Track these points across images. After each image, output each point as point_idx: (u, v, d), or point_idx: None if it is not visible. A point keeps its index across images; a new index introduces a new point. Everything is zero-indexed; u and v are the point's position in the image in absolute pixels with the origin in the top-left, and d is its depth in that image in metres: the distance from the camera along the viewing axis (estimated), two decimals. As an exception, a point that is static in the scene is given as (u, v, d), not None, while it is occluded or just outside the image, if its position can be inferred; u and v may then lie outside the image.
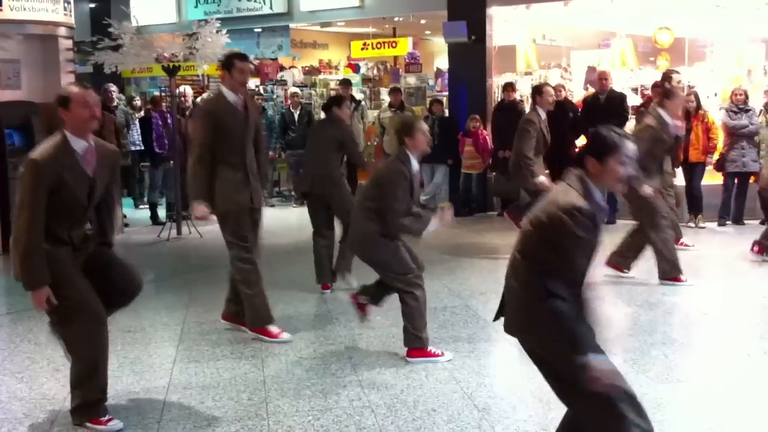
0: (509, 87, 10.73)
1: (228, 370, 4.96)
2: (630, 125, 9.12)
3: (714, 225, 9.68)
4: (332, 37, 17.79)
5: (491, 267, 7.67)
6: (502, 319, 3.18)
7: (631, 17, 12.30)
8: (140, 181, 12.45)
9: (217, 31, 9.76)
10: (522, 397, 4.38)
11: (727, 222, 9.75)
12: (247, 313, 5.58)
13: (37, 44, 9.49)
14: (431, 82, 13.94)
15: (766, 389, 4.54)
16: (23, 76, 9.41)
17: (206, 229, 9.52)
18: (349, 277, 6.81)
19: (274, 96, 14.23)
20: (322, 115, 7.75)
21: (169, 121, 10.39)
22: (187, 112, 10.74)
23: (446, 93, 12.51)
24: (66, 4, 9.62)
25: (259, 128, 5.93)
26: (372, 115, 13.28)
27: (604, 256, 7.15)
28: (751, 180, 9.53)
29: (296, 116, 12.24)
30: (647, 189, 6.70)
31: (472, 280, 7.31)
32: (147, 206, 11.50)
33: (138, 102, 13.23)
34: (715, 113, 10.11)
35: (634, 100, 10.58)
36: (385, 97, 13.34)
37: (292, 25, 14.64)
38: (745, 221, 9.66)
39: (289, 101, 12.88)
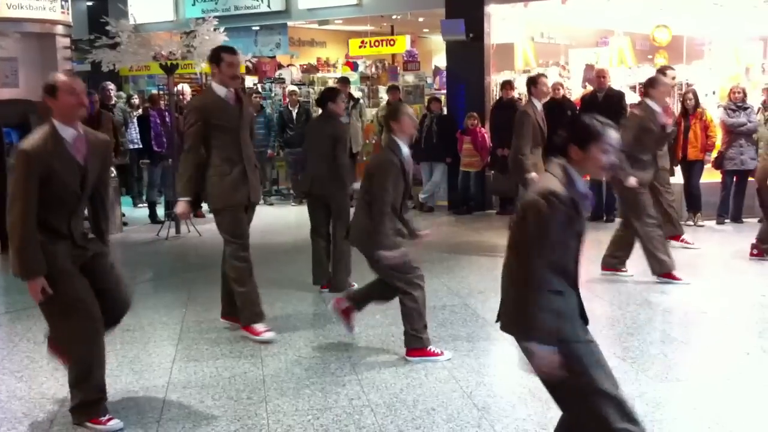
0: (507, 85, 10.74)
1: (227, 369, 4.96)
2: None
3: (713, 223, 9.69)
4: (330, 35, 17.78)
5: (490, 265, 7.67)
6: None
7: (629, 15, 12.30)
8: (139, 180, 12.44)
9: (215, 29, 9.75)
10: (521, 395, 4.38)
11: (726, 220, 9.76)
12: (241, 310, 5.58)
13: (35, 42, 9.49)
14: (429, 80, 13.94)
15: (765, 387, 4.54)
16: (21, 75, 9.42)
17: (205, 228, 9.52)
18: (349, 281, 6.80)
19: (272, 94, 14.22)
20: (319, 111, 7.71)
21: (167, 119, 10.38)
22: (185, 111, 10.73)
23: (444, 91, 12.51)
24: (63, 2, 9.63)
25: (252, 123, 5.92)
26: (370, 113, 13.28)
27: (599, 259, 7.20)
28: (750, 178, 9.54)
29: (294, 114, 12.24)
30: (631, 180, 6.72)
31: (470, 278, 7.31)
32: (146, 205, 11.48)
33: (136, 100, 13.22)
34: (714, 111, 10.12)
35: (632, 98, 10.58)
36: (384, 95, 13.32)
37: (290, 23, 14.62)
38: (744, 219, 9.67)
39: (287, 99, 12.87)
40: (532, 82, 8.06)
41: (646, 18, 12.06)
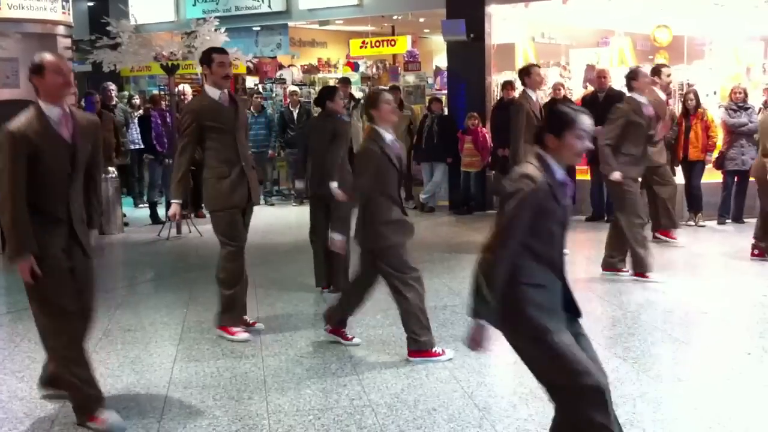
0: (508, 85, 10.73)
1: (228, 369, 4.96)
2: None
3: (714, 223, 9.68)
4: (331, 36, 17.78)
5: (491, 265, 7.65)
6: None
7: (630, 15, 12.29)
8: (140, 180, 12.44)
9: (216, 30, 9.76)
10: (522, 396, 4.38)
11: (727, 220, 9.76)
12: (220, 308, 5.61)
13: (36, 43, 9.47)
14: (430, 81, 13.95)
15: (766, 388, 4.54)
16: (21, 75, 9.40)
17: (206, 228, 9.51)
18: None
19: (273, 94, 14.24)
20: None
21: (168, 119, 10.39)
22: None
23: (445, 91, 12.51)
24: (64, 3, 9.63)
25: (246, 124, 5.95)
26: (371, 113, 13.24)
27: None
28: (751, 178, 9.54)
29: (295, 115, 12.25)
30: (615, 175, 6.73)
31: (472, 278, 7.29)
32: (146, 205, 11.48)
33: (137, 101, 13.23)
34: (715, 111, 10.12)
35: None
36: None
37: (290, 24, 14.63)
38: (745, 219, 9.66)
39: (288, 100, 12.87)
40: (525, 73, 8.04)
41: (647, 18, 12.05)
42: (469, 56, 11.46)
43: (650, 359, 4.98)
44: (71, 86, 4.07)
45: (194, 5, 14.70)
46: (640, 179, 7.26)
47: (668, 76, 8.21)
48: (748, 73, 11.50)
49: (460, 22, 11.24)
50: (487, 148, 10.92)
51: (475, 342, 3.03)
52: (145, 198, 11.96)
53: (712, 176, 9.81)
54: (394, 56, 15.98)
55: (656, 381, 4.60)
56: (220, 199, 5.44)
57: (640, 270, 6.91)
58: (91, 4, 15.35)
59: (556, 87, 10.92)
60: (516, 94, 11.00)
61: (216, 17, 10.25)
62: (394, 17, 14.87)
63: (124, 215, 10.67)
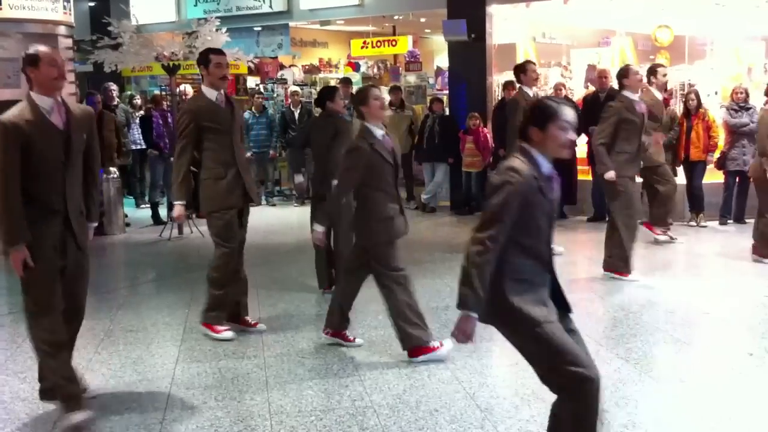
0: (509, 85, 10.71)
1: (230, 369, 4.96)
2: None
3: (715, 224, 9.68)
4: (332, 36, 17.79)
5: (492, 266, 7.65)
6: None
7: (631, 15, 12.29)
8: (141, 181, 12.45)
9: (217, 30, 9.76)
10: (524, 396, 4.38)
11: (729, 221, 9.75)
12: (206, 306, 5.60)
13: (37, 43, 9.48)
14: (431, 81, 13.95)
15: None
16: (23, 75, 9.40)
17: (207, 229, 9.51)
18: None
19: (275, 95, 14.22)
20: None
21: (169, 120, 10.39)
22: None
23: (446, 91, 12.52)
24: (65, 3, 9.62)
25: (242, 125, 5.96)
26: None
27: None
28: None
29: (296, 115, 12.25)
30: (609, 174, 6.74)
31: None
32: (148, 206, 11.49)
33: (138, 101, 13.23)
34: (716, 111, 10.11)
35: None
36: (386, 96, 13.31)
37: (291, 24, 14.63)
38: (747, 220, 9.63)
39: (289, 100, 12.88)
40: (521, 70, 8.04)
41: (648, 18, 12.05)
42: (470, 56, 11.46)
43: (652, 360, 4.99)
44: (65, 79, 4.11)
45: (195, 5, 14.70)
46: (639, 179, 7.27)
47: (664, 75, 8.21)
48: (750, 73, 11.49)
49: (461, 22, 11.23)
50: (489, 148, 10.92)
51: (463, 333, 3.05)
52: (146, 198, 11.97)
53: (713, 177, 9.80)
54: (395, 56, 15.98)
55: (658, 382, 4.60)
56: (216, 200, 5.44)
57: (614, 268, 6.97)
58: (92, 4, 15.35)
59: (558, 87, 10.92)
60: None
61: (217, 17, 10.25)
62: (395, 17, 14.87)
63: (126, 216, 10.67)
